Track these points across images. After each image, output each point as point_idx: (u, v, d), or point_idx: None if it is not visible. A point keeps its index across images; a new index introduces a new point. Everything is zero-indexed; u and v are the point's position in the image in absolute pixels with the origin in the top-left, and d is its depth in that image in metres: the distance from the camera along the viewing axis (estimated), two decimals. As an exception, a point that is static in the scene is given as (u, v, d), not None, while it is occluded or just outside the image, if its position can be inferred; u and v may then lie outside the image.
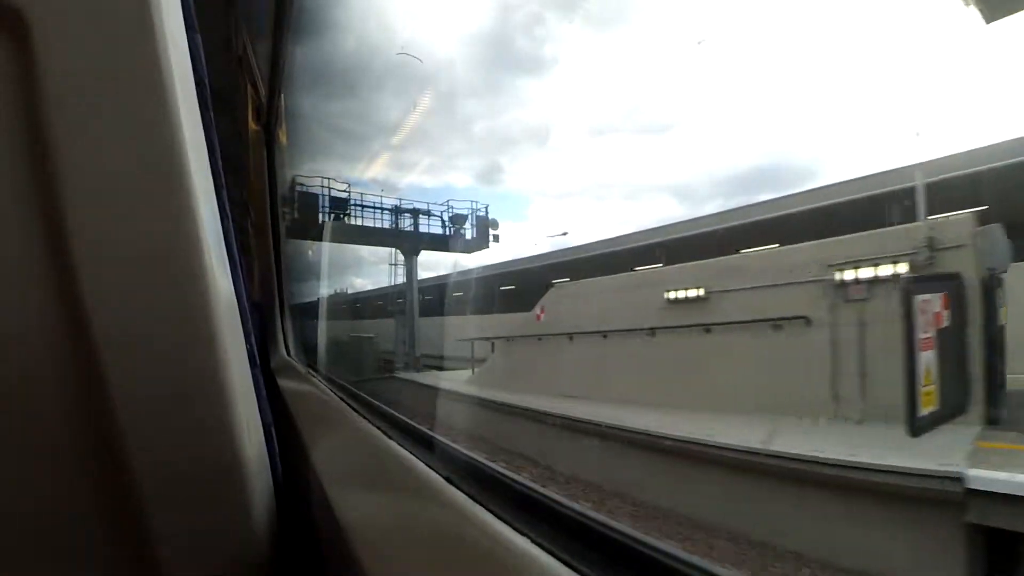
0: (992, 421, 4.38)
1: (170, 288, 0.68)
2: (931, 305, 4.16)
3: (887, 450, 3.96)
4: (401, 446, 0.75)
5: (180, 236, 0.67)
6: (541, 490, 0.51)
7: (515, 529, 0.44)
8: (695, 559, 0.33)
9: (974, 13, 2.61)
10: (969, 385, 4.40)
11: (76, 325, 0.65)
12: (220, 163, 0.81)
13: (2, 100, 0.61)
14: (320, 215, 12.36)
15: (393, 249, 15.67)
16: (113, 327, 0.66)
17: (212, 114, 0.79)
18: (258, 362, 0.93)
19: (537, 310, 10.32)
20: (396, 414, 0.98)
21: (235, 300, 0.83)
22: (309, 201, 11.25)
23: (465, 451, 0.67)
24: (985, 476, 3.40)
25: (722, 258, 8.21)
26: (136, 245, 0.66)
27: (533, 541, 0.41)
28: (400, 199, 15.20)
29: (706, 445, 5.06)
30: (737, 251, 9.14)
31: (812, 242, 6.40)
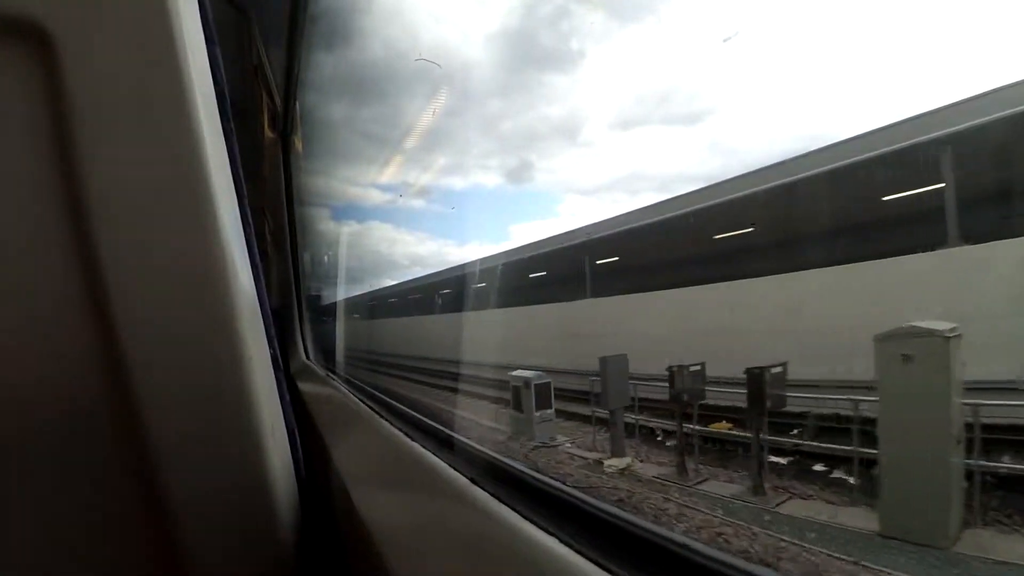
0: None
1: (197, 295, 0.69)
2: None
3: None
4: (424, 448, 0.76)
5: (205, 244, 0.68)
6: (566, 488, 0.51)
7: (542, 528, 0.44)
8: (728, 558, 0.33)
9: None
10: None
11: (106, 331, 0.67)
12: (241, 171, 0.83)
13: (30, 113, 0.63)
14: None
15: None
16: (142, 334, 0.67)
17: (232, 124, 0.80)
18: (281, 366, 0.95)
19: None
20: (417, 415, 0.98)
21: (258, 306, 0.85)
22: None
23: (488, 451, 0.67)
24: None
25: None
26: (162, 254, 0.68)
27: (562, 540, 0.41)
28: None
29: None
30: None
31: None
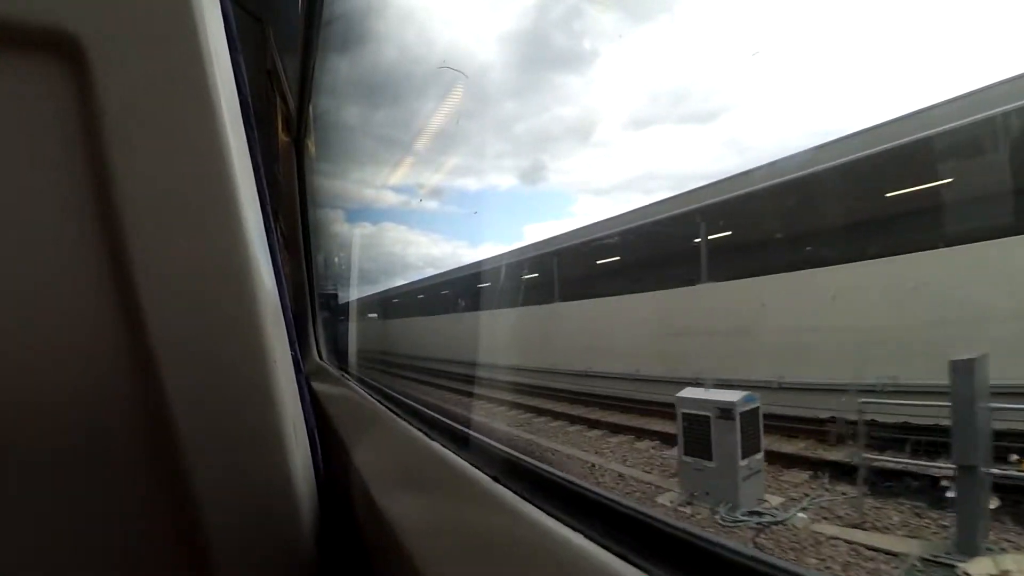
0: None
1: (224, 299, 0.71)
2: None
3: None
4: (444, 447, 0.77)
5: (232, 250, 0.70)
6: (590, 486, 0.51)
7: (569, 526, 0.45)
8: (761, 555, 0.33)
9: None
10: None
11: (136, 338, 0.69)
12: (264, 178, 0.84)
13: (62, 121, 0.65)
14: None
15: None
16: (173, 338, 0.69)
17: (256, 132, 0.82)
18: (302, 368, 0.96)
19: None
20: (435, 415, 0.99)
21: (280, 308, 0.86)
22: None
23: (509, 449, 0.68)
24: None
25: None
26: (192, 260, 0.69)
27: (587, 536, 0.42)
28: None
29: None
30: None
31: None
